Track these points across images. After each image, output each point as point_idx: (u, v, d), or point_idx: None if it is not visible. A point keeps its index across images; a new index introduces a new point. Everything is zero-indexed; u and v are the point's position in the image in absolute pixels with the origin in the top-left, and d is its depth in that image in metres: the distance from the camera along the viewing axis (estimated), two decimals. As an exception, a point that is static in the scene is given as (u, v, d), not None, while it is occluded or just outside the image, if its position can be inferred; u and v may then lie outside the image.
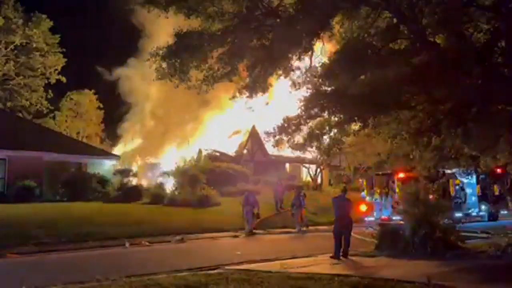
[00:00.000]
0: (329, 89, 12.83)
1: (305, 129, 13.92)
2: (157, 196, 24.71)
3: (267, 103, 14.20)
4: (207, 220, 20.79)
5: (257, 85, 13.52)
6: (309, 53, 13.07)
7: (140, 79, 37.28)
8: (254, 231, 19.66)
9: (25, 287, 8.95)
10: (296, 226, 20.56)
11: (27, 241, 15.00)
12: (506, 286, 9.13)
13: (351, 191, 19.22)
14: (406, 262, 11.54)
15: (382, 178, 20.81)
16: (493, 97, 11.46)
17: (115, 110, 43.52)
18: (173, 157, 35.07)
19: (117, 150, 39.78)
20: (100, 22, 44.67)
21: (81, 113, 43.31)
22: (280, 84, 17.09)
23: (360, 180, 22.10)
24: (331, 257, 12.38)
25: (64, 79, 39.46)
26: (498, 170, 20.24)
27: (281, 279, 9.38)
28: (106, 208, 21.65)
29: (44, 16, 37.53)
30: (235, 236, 18.79)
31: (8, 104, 37.79)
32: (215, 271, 10.77)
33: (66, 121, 42.52)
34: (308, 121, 13.55)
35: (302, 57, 13.05)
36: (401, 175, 19.04)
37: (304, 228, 20.54)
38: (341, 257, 12.33)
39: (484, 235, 16.20)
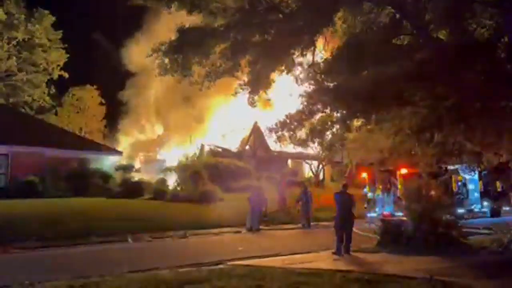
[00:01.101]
0: (331, 85, 12.82)
1: (307, 125, 13.92)
2: (159, 192, 24.68)
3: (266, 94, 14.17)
4: (210, 215, 20.78)
5: (259, 81, 13.51)
6: (311, 48, 13.07)
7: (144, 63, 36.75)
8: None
9: (28, 282, 8.98)
10: (301, 222, 20.57)
11: (30, 237, 15.04)
12: (508, 281, 9.14)
13: (353, 187, 19.21)
14: (408, 258, 11.53)
15: (384, 174, 20.76)
16: (495, 93, 11.42)
17: (117, 103, 43.59)
18: (175, 152, 35.12)
19: (119, 145, 39.77)
20: (102, 19, 44.61)
21: (83, 109, 43.41)
22: (282, 80, 17.08)
23: (362, 175, 22.02)
24: (333, 253, 12.39)
25: (66, 75, 39.54)
26: (501, 167, 20.18)
27: (283, 275, 9.39)
28: (108, 203, 21.67)
29: (46, 11, 37.54)
30: (238, 232, 18.81)
31: (11, 99, 37.83)
32: (218, 266, 10.79)
33: (68, 116, 42.62)
34: (310, 117, 13.56)
35: (304, 52, 13.05)
36: (404, 171, 19.00)
37: (306, 224, 20.54)
38: (343, 253, 12.33)
39: (486, 231, 16.18)
